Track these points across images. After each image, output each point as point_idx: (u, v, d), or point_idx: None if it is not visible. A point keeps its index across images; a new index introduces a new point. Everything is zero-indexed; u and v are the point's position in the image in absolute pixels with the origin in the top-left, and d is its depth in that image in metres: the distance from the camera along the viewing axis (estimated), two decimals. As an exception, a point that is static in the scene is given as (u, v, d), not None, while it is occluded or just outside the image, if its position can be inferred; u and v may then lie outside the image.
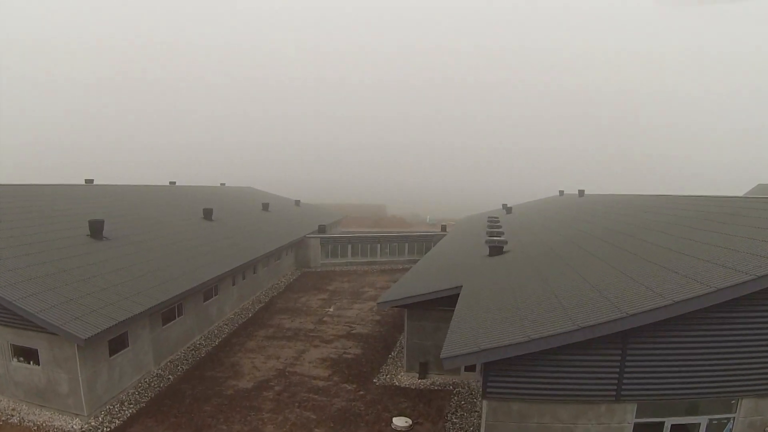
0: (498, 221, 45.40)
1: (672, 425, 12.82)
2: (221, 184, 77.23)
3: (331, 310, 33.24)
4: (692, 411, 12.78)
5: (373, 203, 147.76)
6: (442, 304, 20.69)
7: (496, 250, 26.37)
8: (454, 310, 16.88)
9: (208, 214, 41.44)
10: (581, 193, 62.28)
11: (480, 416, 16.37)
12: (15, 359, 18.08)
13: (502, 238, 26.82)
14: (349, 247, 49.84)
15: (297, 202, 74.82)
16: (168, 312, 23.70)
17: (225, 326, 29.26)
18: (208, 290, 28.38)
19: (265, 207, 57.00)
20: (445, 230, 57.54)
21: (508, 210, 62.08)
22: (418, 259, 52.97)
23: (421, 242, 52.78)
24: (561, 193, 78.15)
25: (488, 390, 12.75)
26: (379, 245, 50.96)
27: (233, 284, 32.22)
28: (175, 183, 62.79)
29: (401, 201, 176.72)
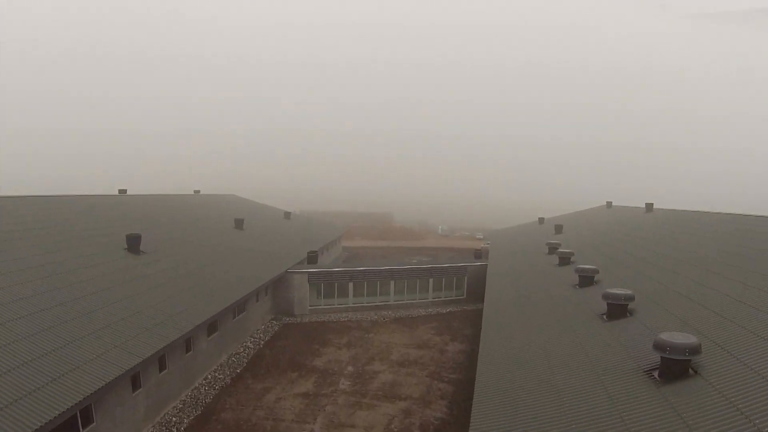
0: (568, 251, 30.62)
1: None
2: (195, 191, 62.80)
3: (316, 429, 18.59)
4: None
5: (378, 211, 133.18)
6: None
7: (675, 366, 11.70)
8: None
9: (134, 243, 26.91)
10: (649, 207, 48.23)
11: None
12: None
13: (678, 340, 12.05)
14: (351, 285, 35.17)
15: (287, 215, 60.24)
16: None
17: (102, 489, 14.65)
18: (71, 419, 13.85)
19: (239, 224, 42.47)
20: (480, 257, 42.82)
21: (557, 229, 47.43)
22: (447, 301, 38.73)
23: (452, 276, 38.08)
24: (609, 204, 64.54)
25: None
26: (392, 281, 36.28)
27: (137, 388, 17.62)
28: (126, 191, 48.42)
29: (408, 209, 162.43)
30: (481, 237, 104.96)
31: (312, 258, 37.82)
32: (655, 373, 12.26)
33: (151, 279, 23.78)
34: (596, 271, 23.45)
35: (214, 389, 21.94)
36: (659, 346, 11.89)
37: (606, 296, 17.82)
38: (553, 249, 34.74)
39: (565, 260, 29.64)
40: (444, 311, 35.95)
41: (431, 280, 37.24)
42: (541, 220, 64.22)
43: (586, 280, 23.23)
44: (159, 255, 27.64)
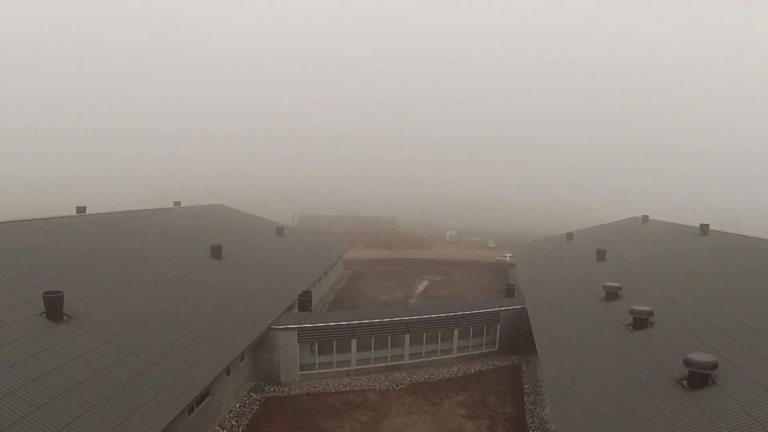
0: (645, 309, 22.89)
1: None
2: (175, 203, 55.11)
3: None
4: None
5: (382, 215, 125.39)
6: None
7: None
8: None
9: (54, 305, 19.18)
10: (704, 229, 41.13)
11: None
12: None
13: None
14: (354, 342, 27.47)
15: (279, 231, 52.30)
16: None
17: None
18: None
19: (216, 253, 34.70)
20: (513, 292, 35.12)
21: (599, 255, 39.88)
22: (476, 355, 29.16)
23: (482, 324, 30.37)
24: (645, 218, 57.69)
25: None
26: (408, 335, 28.59)
27: None
28: (84, 209, 40.74)
29: (412, 211, 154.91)
30: (493, 245, 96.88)
31: (304, 303, 30.05)
32: None
33: (69, 370, 16.09)
34: (715, 366, 15.75)
35: None
36: None
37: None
38: (612, 295, 27.14)
39: (641, 322, 21.96)
40: (472, 370, 28.34)
41: (456, 331, 29.54)
42: (570, 236, 56.52)
43: (700, 378, 15.59)
44: (92, 319, 19.95)
